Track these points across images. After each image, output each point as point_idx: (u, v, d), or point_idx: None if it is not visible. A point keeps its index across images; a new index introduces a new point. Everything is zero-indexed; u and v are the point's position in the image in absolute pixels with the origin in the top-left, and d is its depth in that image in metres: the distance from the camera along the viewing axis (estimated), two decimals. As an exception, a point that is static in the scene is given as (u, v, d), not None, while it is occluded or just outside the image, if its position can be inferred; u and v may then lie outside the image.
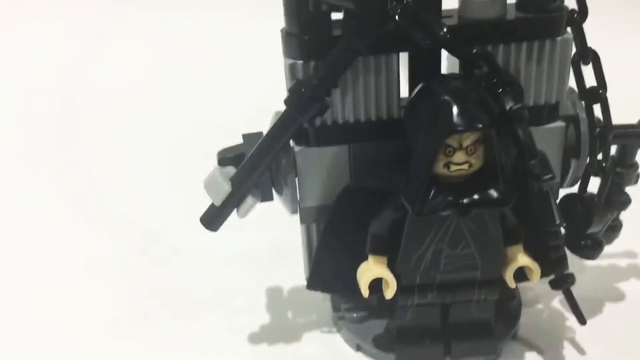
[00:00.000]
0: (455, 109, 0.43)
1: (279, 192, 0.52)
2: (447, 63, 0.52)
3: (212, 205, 0.50)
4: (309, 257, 0.55)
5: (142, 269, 0.68)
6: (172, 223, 0.75)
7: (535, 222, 0.47)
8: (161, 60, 1.03)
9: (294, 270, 0.60)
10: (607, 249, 0.56)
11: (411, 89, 0.50)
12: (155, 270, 0.68)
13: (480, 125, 0.43)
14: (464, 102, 0.43)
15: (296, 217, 0.54)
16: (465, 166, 0.44)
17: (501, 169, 0.45)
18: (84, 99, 1.00)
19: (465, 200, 0.45)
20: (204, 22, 1.10)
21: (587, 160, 0.52)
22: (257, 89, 0.95)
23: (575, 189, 0.55)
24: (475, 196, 0.45)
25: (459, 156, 0.44)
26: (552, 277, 0.50)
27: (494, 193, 0.45)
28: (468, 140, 0.44)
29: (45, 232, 0.77)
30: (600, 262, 0.62)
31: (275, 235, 0.68)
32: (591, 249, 0.55)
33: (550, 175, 0.45)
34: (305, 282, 0.55)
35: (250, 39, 1.03)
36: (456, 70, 0.50)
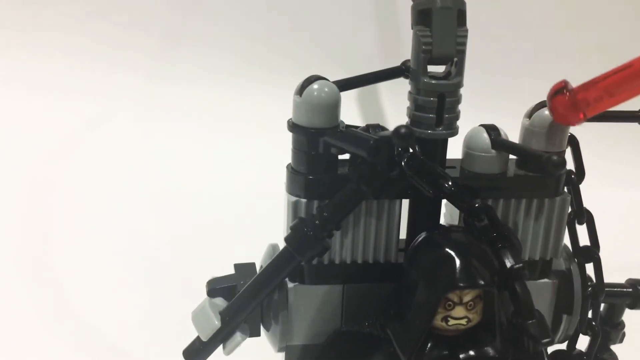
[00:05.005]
0: (458, 265, 0.43)
1: (267, 328, 0.50)
2: (446, 210, 0.52)
3: (198, 339, 0.47)
4: (290, 396, 0.52)
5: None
6: (141, 339, 0.72)
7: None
8: (148, 167, 1.01)
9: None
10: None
11: (409, 234, 0.50)
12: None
13: (482, 283, 0.43)
14: (467, 258, 0.43)
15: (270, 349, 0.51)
16: (463, 321, 0.44)
17: (499, 327, 0.44)
18: (54, 204, 0.96)
19: (461, 356, 0.44)
20: (206, 138, 1.08)
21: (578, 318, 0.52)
22: (245, 207, 0.94)
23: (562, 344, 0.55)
24: (472, 352, 0.44)
25: (458, 311, 0.43)
26: None
27: (490, 350, 0.44)
28: (468, 296, 0.43)
29: (8, 342, 0.72)
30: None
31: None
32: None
33: (548, 340, 0.44)
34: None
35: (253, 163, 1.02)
36: (455, 217, 0.51)
